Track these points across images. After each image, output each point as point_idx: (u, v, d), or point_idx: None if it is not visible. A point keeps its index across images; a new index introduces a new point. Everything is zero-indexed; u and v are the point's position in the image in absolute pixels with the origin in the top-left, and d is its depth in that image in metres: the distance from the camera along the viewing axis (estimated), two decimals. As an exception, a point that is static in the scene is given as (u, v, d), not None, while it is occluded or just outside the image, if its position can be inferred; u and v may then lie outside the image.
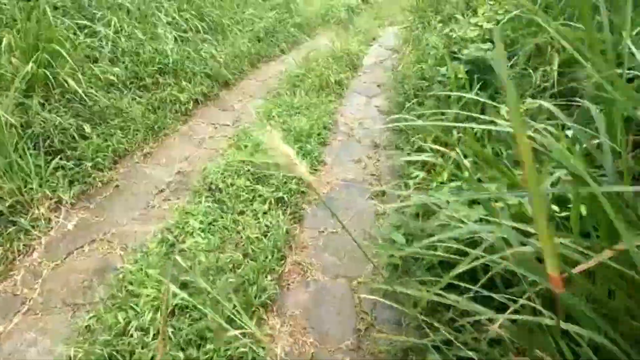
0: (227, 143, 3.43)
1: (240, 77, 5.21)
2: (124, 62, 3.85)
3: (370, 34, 7.03)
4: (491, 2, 3.16)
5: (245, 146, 3.19)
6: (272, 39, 6.50)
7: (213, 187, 2.69)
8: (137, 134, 3.35)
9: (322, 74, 4.41)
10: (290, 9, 7.54)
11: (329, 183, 2.91)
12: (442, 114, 2.64)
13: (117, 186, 2.84)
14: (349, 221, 2.47)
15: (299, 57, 6.22)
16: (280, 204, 2.54)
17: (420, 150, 2.68)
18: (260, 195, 2.55)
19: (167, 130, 3.67)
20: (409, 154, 2.82)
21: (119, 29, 3.95)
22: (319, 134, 3.34)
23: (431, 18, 4.67)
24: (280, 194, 2.56)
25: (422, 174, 2.36)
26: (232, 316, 1.32)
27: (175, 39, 4.55)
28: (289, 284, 2.04)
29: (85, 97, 3.14)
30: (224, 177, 2.74)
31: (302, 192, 2.69)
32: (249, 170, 2.79)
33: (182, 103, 4.00)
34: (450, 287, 1.15)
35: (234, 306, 1.54)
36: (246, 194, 2.58)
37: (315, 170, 3.01)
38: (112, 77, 3.54)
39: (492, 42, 2.84)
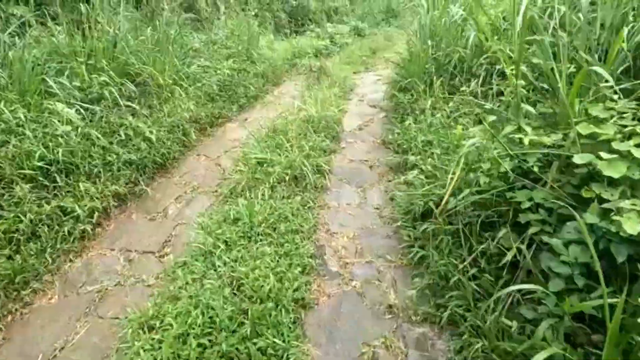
0: (138, 312, 1.96)
1: (183, 155, 3.80)
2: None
3: (347, 83, 5.89)
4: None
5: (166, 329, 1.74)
6: (228, 95, 5.18)
7: None
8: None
9: (293, 160, 3.07)
10: (251, 56, 6.30)
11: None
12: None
13: None
14: None
15: (262, 116, 4.96)
16: None
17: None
18: None
19: (38, 284, 2.16)
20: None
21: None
22: (295, 290, 1.94)
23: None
24: None
25: None
26: None
27: (83, 114, 3.10)
28: None
29: None
30: None
31: None
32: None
33: (78, 221, 2.51)
34: None
35: None
36: None
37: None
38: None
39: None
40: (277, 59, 7.13)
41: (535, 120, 1.69)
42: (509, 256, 1.45)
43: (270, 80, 6.51)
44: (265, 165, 3.06)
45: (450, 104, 3.27)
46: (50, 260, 2.28)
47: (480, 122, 2.54)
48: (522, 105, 1.67)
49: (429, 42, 3.52)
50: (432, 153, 2.64)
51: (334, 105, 4.48)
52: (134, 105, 3.53)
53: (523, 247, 1.46)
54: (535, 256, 1.45)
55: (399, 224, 2.45)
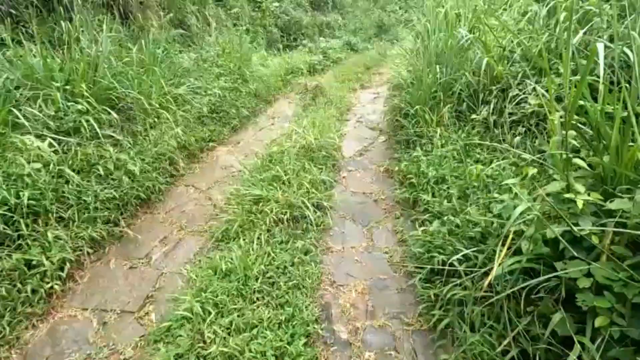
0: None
1: (171, 186, 3.47)
2: None
3: (344, 103, 5.64)
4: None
5: None
6: (219, 117, 4.88)
7: None
8: None
9: (292, 197, 2.77)
10: (243, 74, 6.02)
11: None
12: None
13: None
14: None
15: (256, 139, 4.66)
16: None
17: None
18: None
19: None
20: None
21: None
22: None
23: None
24: None
25: None
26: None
27: (56, 147, 2.76)
28: None
29: None
30: None
31: None
32: None
33: (44, 277, 2.15)
34: None
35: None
36: None
37: None
38: None
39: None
40: (270, 75, 6.87)
41: (584, 177, 1.43)
42: (573, 356, 1.16)
43: (263, 98, 6.24)
44: (260, 203, 2.74)
45: (462, 133, 3.02)
46: (7, 330, 1.92)
47: (500, 165, 2.29)
48: (573, 158, 1.41)
49: (437, 67, 3.29)
50: (449, 194, 2.36)
51: (332, 129, 4.21)
52: (115, 135, 3.19)
53: (586, 340, 1.18)
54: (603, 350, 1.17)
55: (415, 279, 2.15)
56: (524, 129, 2.71)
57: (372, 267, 2.41)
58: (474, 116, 3.04)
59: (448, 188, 2.49)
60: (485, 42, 3.19)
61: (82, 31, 4.08)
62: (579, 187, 1.35)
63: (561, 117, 1.47)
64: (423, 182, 2.70)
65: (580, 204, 1.30)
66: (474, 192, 2.21)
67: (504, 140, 2.95)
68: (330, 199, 3.08)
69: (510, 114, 2.91)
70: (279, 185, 2.97)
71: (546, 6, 3.06)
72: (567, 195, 1.35)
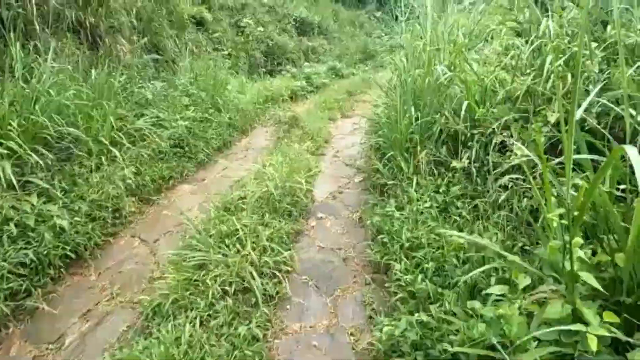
0: None
1: (113, 237, 2.99)
2: None
3: (322, 135, 5.26)
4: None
5: None
6: (184, 151, 4.45)
7: None
8: None
9: (243, 261, 2.32)
10: (216, 103, 5.65)
11: None
12: None
13: None
14: None
15: (224, 175, 4.24)
16: None
17: None
18: None
19: None
20: None
21: None
22: None
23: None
24: None
25: None
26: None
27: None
28: None
29: None
30: None
31: None
32: None
33: None
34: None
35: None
36: None
37: None
38: None
39: None
40: (247, 103, 6.52)
41: (594, 298, 1.04)
42: None
43: (238, 128, 5.85)
44: (204, 270, 2.28)
45: (441, 182, 2.64)
46: None
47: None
48: (581, 274, 1.01)
49: (412, 108, 2.95)
50: (424, 268, 1.95)
51: (304, 168, 3.81)
52: (42, 183, 2.72)
53: None
54: None
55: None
56: (510, 183, 2.34)
57: (333, 356, 1.96)
58: (454, 163, 2.68)
59: (424, 256, 2.08)
60: (466, 81, 2.87)
61: (37, 59, 3.67)
62: (590, 314, 0.95)
63: (562, 216, 1.09)
64: (395, 246, 2.28)
65: (594, 344, 0.89)
66: (453, 270, 1.80)
67: (487, 192, 2.58)
68: (292, 257, 2.64)
69: (495, 163, 2.56)
70: (232, 244, 2.53)
71: (530, 44, 2.77)
72: (574, 327, 0.95)
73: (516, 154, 2.37)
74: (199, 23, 8.64)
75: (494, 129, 2.67)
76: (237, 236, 2.59)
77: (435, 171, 2.77)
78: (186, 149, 4.47)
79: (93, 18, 5.52)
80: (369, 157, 4.03)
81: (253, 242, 2.51)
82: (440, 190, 2.55)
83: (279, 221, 2.85)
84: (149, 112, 4.49)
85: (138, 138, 4.08)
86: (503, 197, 2.22)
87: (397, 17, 16.21)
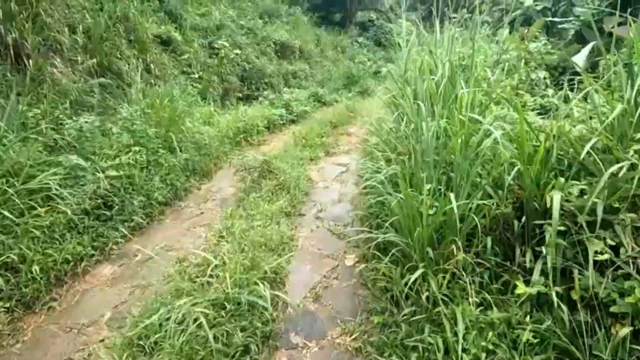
0: None
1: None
2: None
3: (300, 185, 4.09)
4: None
5: None
6: (112, 214, 3.18)
7: None
8: None
9: None
10: (169, 140, 4.42)
11: None
12: None
13: None
14: None
15: (166, 243, 2.97)
16: None
17: None
18: None
19: None
20: None
21: None
22: None
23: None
24: None
25: None
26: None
27: None
28: None
29: None
30: None
31: None
32: None
33: None
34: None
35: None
36: None
37: None
38: None
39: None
40: (214, 137, 5.32)
41: None
42: None
43: (198, 171, 4.62)
44: None
45: (499, 320, 1.51)
46: None
47: None
48: None
49: (451, 195, 1.82)
50: None
51: (273, 249, 2.62)
52: None
53: None
54: None
55: None
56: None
57: None
58: (518, 287, 1.56)
59: None
60: (521, 141, 1.80)
61: None
62: None
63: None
64: None
65: None
66: None
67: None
68: None
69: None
70: None
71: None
72: None
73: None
74: (165, 43, 7.44)
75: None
76: None
77: (482, 283, 1.63)
78: (116, 209, 3.20)
79: (17, 33, 4.30)
80: (367, 226, 2.88)
81: None
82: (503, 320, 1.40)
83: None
84: (66, 159, 3.20)
85: (42, 202, 2.80)
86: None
87: (380, 42, 15.60)
